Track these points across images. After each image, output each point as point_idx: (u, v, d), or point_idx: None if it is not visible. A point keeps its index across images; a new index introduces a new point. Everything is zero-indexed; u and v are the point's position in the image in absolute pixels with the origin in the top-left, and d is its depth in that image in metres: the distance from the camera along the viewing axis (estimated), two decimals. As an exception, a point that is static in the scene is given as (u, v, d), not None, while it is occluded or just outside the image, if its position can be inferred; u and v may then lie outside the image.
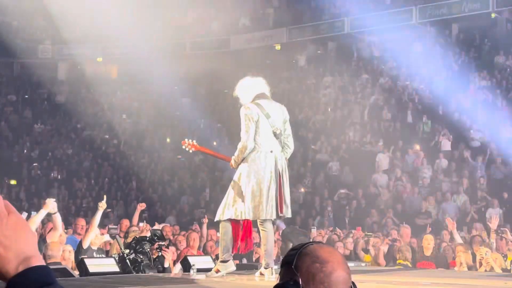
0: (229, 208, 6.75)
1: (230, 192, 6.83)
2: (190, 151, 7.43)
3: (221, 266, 6.61)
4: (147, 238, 7.55)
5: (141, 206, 10.91)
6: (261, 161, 6.78)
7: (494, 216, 11.07)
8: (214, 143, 22.86)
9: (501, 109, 19.11)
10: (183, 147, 7.33)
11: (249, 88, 7.00)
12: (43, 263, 1.36)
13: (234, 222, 6.80)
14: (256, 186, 6.77)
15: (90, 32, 26.72)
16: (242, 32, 27.89)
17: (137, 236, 7.79)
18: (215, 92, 25.45)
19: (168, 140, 24.34)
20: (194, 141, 7.40)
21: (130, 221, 10.61)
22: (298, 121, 20.70)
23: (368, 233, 12.42)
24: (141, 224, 9.67)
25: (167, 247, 7.86)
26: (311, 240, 8.83)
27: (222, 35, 28.08)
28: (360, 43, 25.80)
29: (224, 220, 6.71)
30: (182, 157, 22.56)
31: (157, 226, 10.75)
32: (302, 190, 19.07)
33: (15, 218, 1.39)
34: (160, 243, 7.60)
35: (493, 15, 23.40)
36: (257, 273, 6.76)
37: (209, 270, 6.82)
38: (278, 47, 27.28)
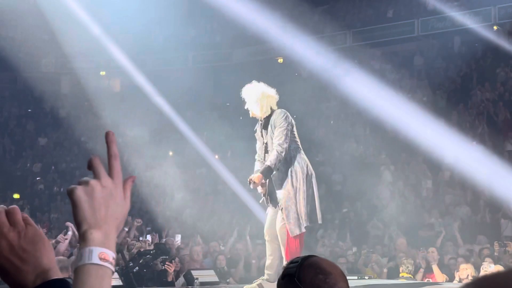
0: (303, 217, 6.76)
1: (295, 198, 6.79)
2: (252, 187, 7.17)
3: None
4: (151, 252, 7.56)
5: (138, 222, 10.95)
6: (307, 162, 6.90)
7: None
8: (216, 157, 22.89)
9: (503, 122, 19.12)
10: (250, 186, 7.03)
11: (274, 94, 7.13)
12: (60, 276, 1.38)
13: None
14: (311, 189, 6.82)
15: (93, 45, 26.82)
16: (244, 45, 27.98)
17: (141, 250, 7.80)
18: (218, 105, 25.49)
19: (170, 153, 24.36)
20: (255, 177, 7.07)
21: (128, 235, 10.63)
22: (301, 134, 20.69)
23: (370, 250, 12.39)
24: (148, 237, 9.69)
25: (171, 261, 7.87)
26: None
27: (224, 48, 28.19)
28: (363, 55, 25.84)
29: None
30: (184, 170, 22.56)
31: (160, 240, 10.77)
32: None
33: (33, 230, 1.41)
34: (164, 257, 7.61)
35: (495, 28, 23.46)
36: (257, 282, 6.75)
37: (212, 283, 6.81)
38: (280, 60, 27.34)
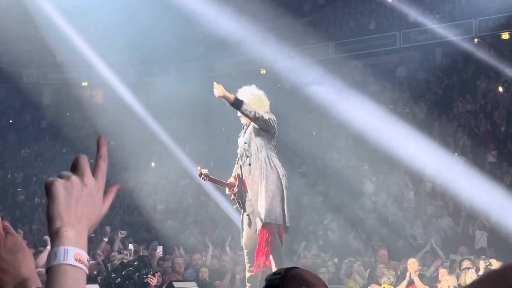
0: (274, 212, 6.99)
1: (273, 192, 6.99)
2: (205, 181, 7.49)
3: None
4: (134, 264, 7.53)
5: (122, 233, 10.92)
6: (278, 167, 7.11)
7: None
8: (198, 168, 22.83)
9: (484, 133, 19.27)
10: (200, 177, 7.38)
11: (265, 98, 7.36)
12: (40, 285, 1.35)
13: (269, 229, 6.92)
14: (284, 190, 7.03)
15: (75, 56, 26.73)
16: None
17: (124, 261, 7.76)
18: (200, 116, 25.47)
19: (153, 164, 24.28)
20: (207, 170, 7.48)
21: (111, 246, 10.58)
22: (284, 145, 20.72)
23: (352, 260, 12.40)
24: (130, 248, 9.64)
25: (153, 274, 7.84)
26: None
27: (207, 59, 28.19)
28: (345, 67, 25.95)
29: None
30: (166, 181, 22.51)
31: (143, 252, 10.73)
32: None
33: (13, 240, 1.39)
34: (146, 270, 7.59)
35: (476, 40, 23.67)
36: None
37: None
38: (263, 71, 27.37)
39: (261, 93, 7.43)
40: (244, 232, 7.24)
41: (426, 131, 20.05)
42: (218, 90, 7.04)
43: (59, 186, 1.35)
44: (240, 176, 7.34)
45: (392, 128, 20.53)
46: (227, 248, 12.92)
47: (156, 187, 22.27)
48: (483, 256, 11.18)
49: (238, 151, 7.56)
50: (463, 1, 24.63)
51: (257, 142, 7.21)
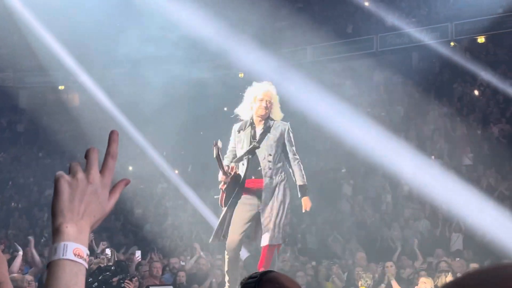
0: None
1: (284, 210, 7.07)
2: (214, 152, 7.24)
3: None
4: (111, 269, 7.49)
5: (103, 244, 10.89)
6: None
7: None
8: (176, 172, 22.79)
9: (460, 136, 19.41)
10: (213, 147, 7.09)
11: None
12: None
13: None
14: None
15: (52, 60, 26.56)
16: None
17: (101, 266, 7.72)
18: (178, 119, 25.39)
19: (130, 168, 24.18)
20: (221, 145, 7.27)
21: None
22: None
23: (331, 262, 12.43)
24: (107, 252, 9.57)
25: (130, 279, 7.80)
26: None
27: (184, 63, 28.11)
28: (323, 70, 26.02)
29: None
30: (144, 186, 22.41)
31: (121, 256, 10.67)
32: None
33: None
34: (123, 275, 7.55)
35: (452, 44, 23.84)
36: None
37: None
38: (241, 75, 27.37)
39: (274, 90, 7.45)
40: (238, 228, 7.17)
41: (403, 134, 20.17)
42: (308, 207, 7.22)
43: (64, 183, 1.41)
44: (240, 176, 7.21)
45: (369, 131, 20.64)
46: (201, 253, 12.87)
47: (134, 190, 22.16)
48: (458, 258, 11.25)
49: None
50: (439, 5, 24.82)
51: (281, 158, 7.35)
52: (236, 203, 7.27)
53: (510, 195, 16.55)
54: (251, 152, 7.23)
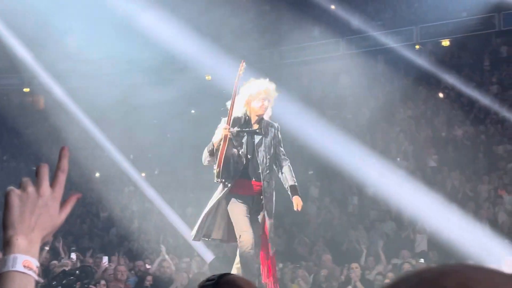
0: None
1: None
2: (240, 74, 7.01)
3: None
4: (76, 273, 7.43)
5: (73, 250, 10.82)
6: None
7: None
8: (143, 174, 22.67)
9: (425, 139, 19.61)
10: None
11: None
12: None
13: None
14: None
15: (17, 62, 26.29)
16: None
17: (66, 270, 7.65)
18: (144, 122, 25.27)
19: (97, 174, 24.01)
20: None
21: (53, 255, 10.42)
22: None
23: (297, 265, 12.45)
24: (72, 256, 9.51)
25: (95, 284, 7.74)
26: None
27: (152, 65, 28.01)
28: (289, 73, 26.11)
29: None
30: (110, 189, 22.26)
31: (87, 260, 10.59)
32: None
33: None
34: (88, 280, 7.49)
35: (417, 47, 24.09)
36: None
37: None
38: (208, 77, 27.33)
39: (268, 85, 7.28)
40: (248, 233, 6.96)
41: (369, 136, 20.31)
42: (300, 206, 7.03)
43: (14, 196, 1.44)
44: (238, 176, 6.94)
45: (336, 134, 20.75)
46: (166, 256, 12.81)
47: (100, 194, 22.01)
48: (422, 260, 11.34)
49: (259, 160, 7.07)
50: (404, 9, 25.08)
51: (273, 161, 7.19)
52: (229, 199, 6.98)
53: (474, 196, 16.76)
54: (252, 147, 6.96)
